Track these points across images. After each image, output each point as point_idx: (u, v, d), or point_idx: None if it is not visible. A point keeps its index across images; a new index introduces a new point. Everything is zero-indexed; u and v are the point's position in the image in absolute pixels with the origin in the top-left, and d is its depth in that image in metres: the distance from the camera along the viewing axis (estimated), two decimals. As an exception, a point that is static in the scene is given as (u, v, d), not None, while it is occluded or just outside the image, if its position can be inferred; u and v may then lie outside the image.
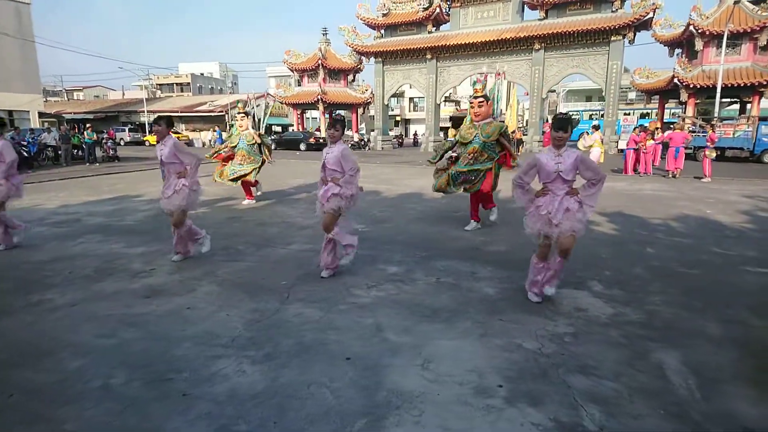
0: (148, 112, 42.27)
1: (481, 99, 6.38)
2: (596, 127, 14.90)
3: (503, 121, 6.98)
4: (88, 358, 3.06)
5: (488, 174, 6.54)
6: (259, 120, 9.33)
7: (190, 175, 5.02)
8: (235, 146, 8.76)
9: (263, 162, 8.95)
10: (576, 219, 3.73)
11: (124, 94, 58.86)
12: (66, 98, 62.70)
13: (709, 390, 2.68)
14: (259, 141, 8.80)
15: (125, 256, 5.45)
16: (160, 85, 60.94)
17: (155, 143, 15.92)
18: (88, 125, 21.83)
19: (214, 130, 34.86)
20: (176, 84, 60.76)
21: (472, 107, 6.47)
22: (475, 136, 6.45)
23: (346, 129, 4.47)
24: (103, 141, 21.73)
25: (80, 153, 20.51)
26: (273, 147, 9.02)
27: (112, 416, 2.44)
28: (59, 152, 19.44)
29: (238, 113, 8.97)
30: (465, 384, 2.75)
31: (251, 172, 8.73)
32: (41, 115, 26.86)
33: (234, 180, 8.71)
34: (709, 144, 13.99)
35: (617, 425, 2.36)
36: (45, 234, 6.65)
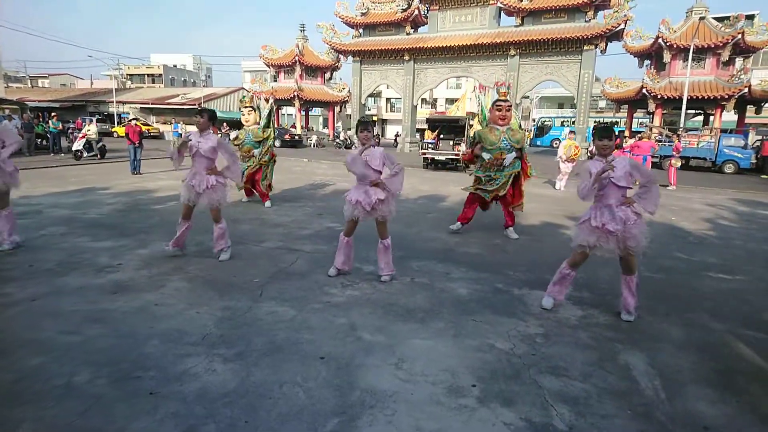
0: (117, 102, 41.00)
1: (509, 103, 6.39)
2: (573, 132, 15.09)
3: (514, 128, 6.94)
4: (49, 355, 2.94)
5: (515, 183, 6.60)
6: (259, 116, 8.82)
7: (232, 172, 5.04)
8: (242, 143, 8.41)
9: (271, 161, 8.65)
10: (639, 236, 3.63)
11: (92, 84, 56.87)
12: (30, 85, 60.18)
13: (672, 391, 2.77)
14: (263, 137, 8.43)
15: (90, 250, 5.26)
16: (130, 75, 59.17)
17: (123, 134, 15.28)
18: (53, 114, 20.91)
19: (171, 123, 33.59)
20: (147, 75, 59.08)
21: (499, 110, 6.31)
22: (502, 141, 6.39)
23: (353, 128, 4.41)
24: (69, 131, 20.94)
25: (44, 143, 19.72)
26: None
27: (75, 416, 2.35)
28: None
29: (245, 107, 8.44)
30: (438, 384, 2.76)
31: (256, 169, 8.47)
32: (2, 101, 25.70)
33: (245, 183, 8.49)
34: (674, 153, 14.47)
35: (586, 425, 2.41)
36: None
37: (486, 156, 6.49)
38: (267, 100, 9.23)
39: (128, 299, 3.89)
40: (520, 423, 2.41)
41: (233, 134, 8.76)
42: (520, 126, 7.06)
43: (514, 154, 6.48)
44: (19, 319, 3.46)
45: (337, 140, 31.55)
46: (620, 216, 3.65)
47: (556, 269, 4.01)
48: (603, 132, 3.72)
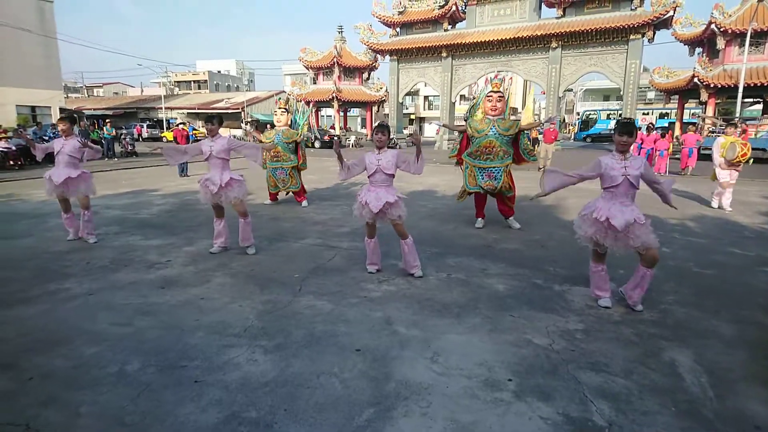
0: (165, 108, 42.83)
1: (500, 94, 6.40)
2: (734, 126, 9.32)
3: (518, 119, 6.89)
4: (104, 345, 3.13)
5: (509, 174, 6.57)
6: (294, 121, 8.83)
7: (249, 150, 5.43)
8: (272, 142, 8.38)
9: (299, 164, 8.68)
10: (644, 236, 3.59)
11: (142, 91, 59.73)
12: (86, 95, 63.79)
13: (721, 389, 2.65)
14: (297, 140, 8.53)
15: (141, 248, 5.55)
16: (177, 82, 61.69)
17: (171, 139, 15.96)
18: (107, 121, 22.13)
19: (187, 125, 32.17)
20: (194, 81, 61.45)
21: (490, 100, 6.41)
22: (491, 129, 6.42)
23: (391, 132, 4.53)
24: (122, 136, 22.08)
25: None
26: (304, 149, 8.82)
27: (127, 401, 2.50)
28: (79, 147, 19.76)
29: (278, 108, 8.55)
30: (474, 377, 2.75)
31: (294, 181, 8.56)
32: (62, 111, 27.41)
33: (280, 191, 8.64)
34: None
35: (626, 421, 2.34)
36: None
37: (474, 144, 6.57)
38: (308, 103, 9.33)
39: (176, 293, 4.08)
40: (557, 417, 2.37)
41: (262, 137, 8.67)
42: (516, 111, 6.94)
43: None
44: (78, 312, 3.70)
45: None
46: (628, 215, 3.57)
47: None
48: (624, 128, 3.63)
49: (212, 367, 2.85)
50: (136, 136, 31.52)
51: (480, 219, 6.97)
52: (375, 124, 4.61)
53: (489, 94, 6.46)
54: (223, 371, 2.80)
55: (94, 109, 44.88)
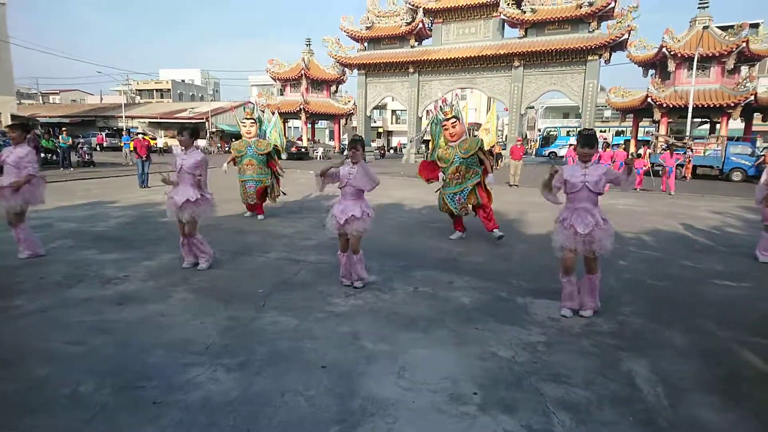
0: (126, 117, 41.60)
1: (454, 119, 6.53)
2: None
3: (477, 136, 7.08)
4: (57, 365, 2.98)
5: (479, 189, 6.68)
6: (265, 132, 8.64)
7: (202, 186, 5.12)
8: (243, 154, 8.21)
9: (273, 175, 8.55)
10: (605, 236, 3.76)
11: (102, 99, 57.86)
12: (41, 101, 61.28)
13: (675, 397, 2.76)
14: (268, 150, 8.31)
15: (97, 263, 5.34)
16: (139, 90, 60.06)
17: (132, 150, 15.29)
18: (63, 129, 21.26)
19: (145, 135, 26.33)
20: (156, 90, 59.96)
21: (446, 129, 6.56)
22: (455, 156, 6.58)
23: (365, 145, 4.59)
24: (79, 146, 21.26)
25: (54, 157, 20.01)
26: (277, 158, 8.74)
27: (81, 424, 2.38)
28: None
29: (246, 119, 8.23)
30: (440, 391, 2.77)
31: (269, 191, 8.45)
32: (14, 118, 26.19)
33: (255, 201, 8.35)
34: (664, 163, 15.01)
35: (586, 431, 2.41)
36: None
37: (440, 175, 6.84)
38: (273, 113, 9.25)
39: (133, 310, 3.94)
40: (521, 430, 2.41)
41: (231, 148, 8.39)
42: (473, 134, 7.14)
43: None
44: (29, 330, 3.51)
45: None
46: (589, 219, 3.78)
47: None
48: (586, 140, 3.81)
49: (172, 387, 2.75)
50: (95, 145, 30.58)
51: (457, 232, 7.09)
52: (350, 139, 4.70)
53: (443, 124, 6.60)
54: (184, 391, 2.71)
55: (50, 117, 43.12)
